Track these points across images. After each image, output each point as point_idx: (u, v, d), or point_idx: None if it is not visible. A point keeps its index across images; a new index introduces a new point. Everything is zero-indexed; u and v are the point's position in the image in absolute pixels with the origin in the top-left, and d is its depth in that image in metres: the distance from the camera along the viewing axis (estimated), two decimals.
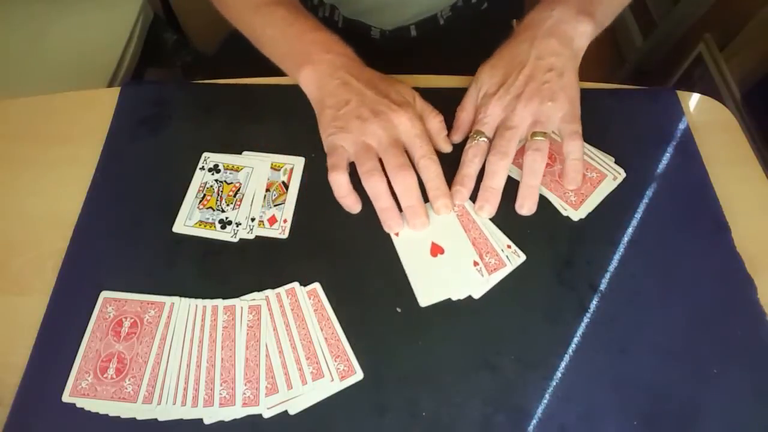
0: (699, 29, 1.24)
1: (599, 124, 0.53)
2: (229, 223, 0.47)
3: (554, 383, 0.40)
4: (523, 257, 0.45)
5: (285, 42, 0.50)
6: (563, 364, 0.41)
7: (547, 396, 0.40)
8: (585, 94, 0.55)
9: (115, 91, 0.56)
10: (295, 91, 0.50)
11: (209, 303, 0.43)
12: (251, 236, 0.46)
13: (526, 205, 0.46)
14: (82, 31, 0.95)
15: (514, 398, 0.40)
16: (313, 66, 0.47)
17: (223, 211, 0.48)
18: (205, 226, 0.47)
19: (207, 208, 0.48)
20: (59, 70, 0.90)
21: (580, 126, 0.47)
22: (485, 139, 0.45)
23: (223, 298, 0.43)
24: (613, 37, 1.64)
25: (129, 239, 0.46)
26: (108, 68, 0.90)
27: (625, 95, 0.56)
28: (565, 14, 0.46)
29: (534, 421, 0.39)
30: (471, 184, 0.46)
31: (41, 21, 0.95)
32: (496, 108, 0.45)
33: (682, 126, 0.54)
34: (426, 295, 0.43)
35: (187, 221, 0.47)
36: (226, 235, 0.46)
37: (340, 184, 0.45)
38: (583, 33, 0.47)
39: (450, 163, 0.48)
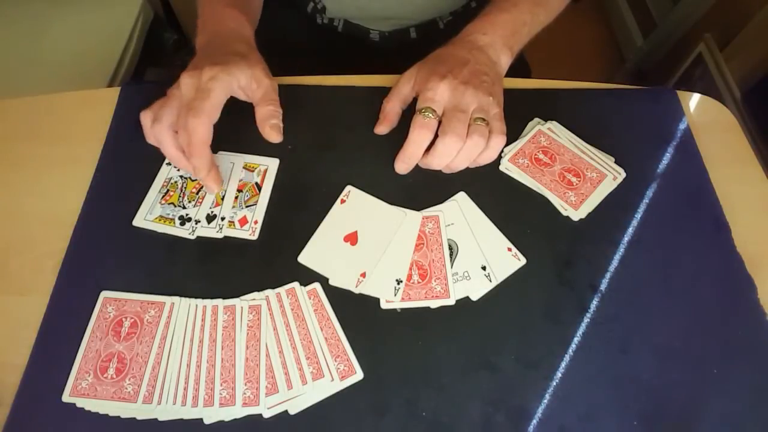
0: (699, 29, 1.24)
1: (599, 124, 0.53)
2: (189, 219, 0.47)
3: (554, 383, 0.40)
4: (523, 260, 0.45)
5: (201, 16, 0.53)
6: (563, 364, 0.41)
7: (547, 396, 0.40)
8: (585, 94, 0.56)
9: (114, 91, 0.56)
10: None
11: (209, 303, 0.43)
12: (220, 236, 0.46)
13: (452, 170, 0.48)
14: (82, 31, 0.95)
15: (514, 398, 0.40)
16: (201, 36, 0.51)
17: (184, 207, 0.48)
18: (164, 221, 0.47)
19: (168, 204, 0.48)
20: (59, 69, 0.90)
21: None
22: (435, 117, 0.45)
23: (223, 298, 0.43)
24: (613, 37, 1.64)
25: (129, 239, 0.46)
26: (108, 68, 0.90)
27: (625, 95, 0.56)
28: (494, 42, 0.51)
29: (534, 421, 0.39)
30: (414, 163, 0.48)
31: (41, 21, 0.96)
32: (445, 89, 0.46)
33: (682, 126, 0.54)
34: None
35: (148, 215, 0.47)
36: (184, 232, 0.46)
37: (142, 123, 0.47)
38: (504, 64, 0.52)
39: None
